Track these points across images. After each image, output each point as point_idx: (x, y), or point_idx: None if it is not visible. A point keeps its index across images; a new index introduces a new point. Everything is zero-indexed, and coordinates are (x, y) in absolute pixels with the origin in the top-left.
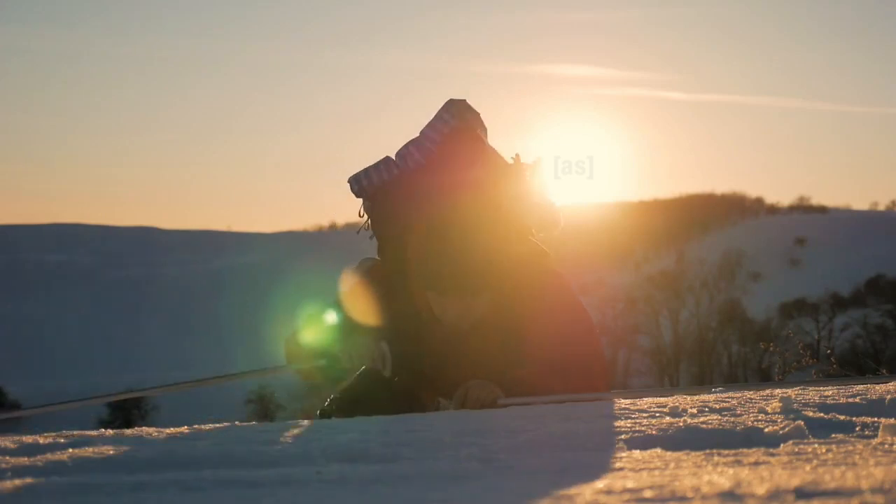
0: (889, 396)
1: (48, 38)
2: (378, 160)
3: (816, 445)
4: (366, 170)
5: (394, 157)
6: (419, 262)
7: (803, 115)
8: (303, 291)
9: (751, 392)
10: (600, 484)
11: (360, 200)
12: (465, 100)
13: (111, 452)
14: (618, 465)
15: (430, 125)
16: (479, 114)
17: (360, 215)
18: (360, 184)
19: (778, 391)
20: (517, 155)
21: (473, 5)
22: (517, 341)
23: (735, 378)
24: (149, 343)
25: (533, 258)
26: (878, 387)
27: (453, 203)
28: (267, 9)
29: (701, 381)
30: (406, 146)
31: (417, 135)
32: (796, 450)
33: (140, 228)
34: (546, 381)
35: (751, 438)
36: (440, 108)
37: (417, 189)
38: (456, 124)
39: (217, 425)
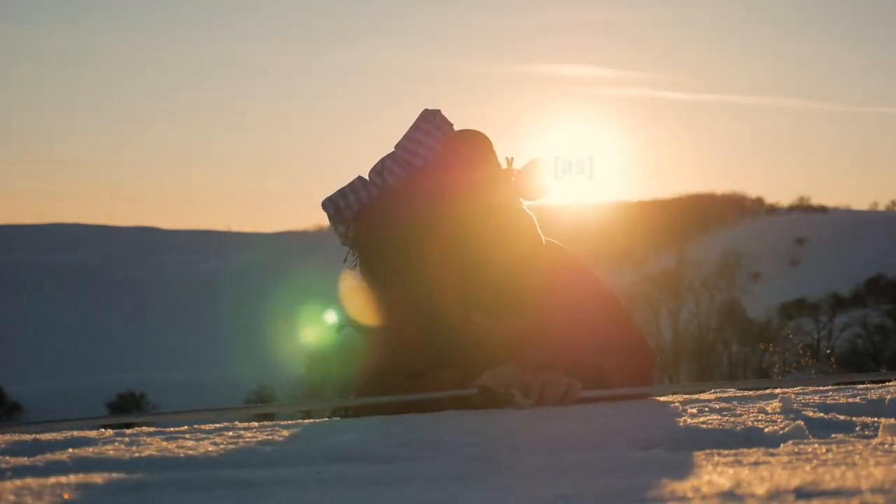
0: (889, 396)
1: (48, 38)
2: (351, 181)
3: (816, 445)
4: (340, 191)
5: (367, 177)
6: (456, 283)
7: (803, 115)
8: (302, 291)
9: (751, 392)
10: (600, 484)
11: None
12: (440, 110)
13: (111, 452)
14: (618, 465)
15: (408, 137)
16: (453, 125)
17: (343, 242)
18: (338, 206)
19: (778, 391)
20: (510, 158)
21: (473, 5)
22: (556, 335)
23: (735, 378)
24: (149, 343)
25: (555, 255)
26: (878, 387)
27: (471, 210)
28: (269, 8)
29: (701, 381)
30: (381, 162)
31: (392, 150)
32: (796, 450)
33: (140, 228)
34: (596, 363)
35: (751, 438)
36: (415, 120)
37: (413, 201)
38: (438, 134)
39: (217, 425)
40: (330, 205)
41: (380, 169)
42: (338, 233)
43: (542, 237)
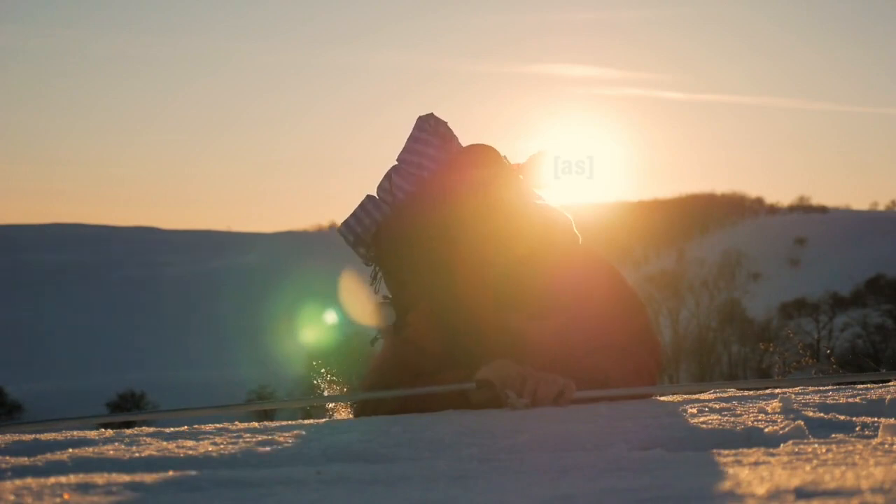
0: (889, 396)
1: (48, 38)
2: (361, 202)
3: (816, 445)
4: (354, 216)
5: (376, 194)
6: (489, 286)
7: (803, 115)
8: (303, 291)
9: (751, 392)
10: (600, 484)
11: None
12: (433, 113)
13: (111, 452)
14: (618, 465)
15: (409, 150)
16: (447, 123)
17: (366, 263)
18: (355, 231)
19: (778, 391)
20: (504, 155)
21: (473, 5)
22: (569, 330)
23: (735, 378)
24: (149, 343)
25: (578, 253)
26: (878, 387)
27: (486, 209)
28: (269, 8)
29: (701, 381)
30: (387, 178)
31: (395, 162)
32: (796, 450)
33: (140, 228)
34: (600, 364)
35: (751, 438)
36: (412, 130)
37: (428, 210)
38: (437, 140)
39: (217, 425)
40: (347, 231)
41: (388, 186)
42: (359, 255)
43: (579, 236)
